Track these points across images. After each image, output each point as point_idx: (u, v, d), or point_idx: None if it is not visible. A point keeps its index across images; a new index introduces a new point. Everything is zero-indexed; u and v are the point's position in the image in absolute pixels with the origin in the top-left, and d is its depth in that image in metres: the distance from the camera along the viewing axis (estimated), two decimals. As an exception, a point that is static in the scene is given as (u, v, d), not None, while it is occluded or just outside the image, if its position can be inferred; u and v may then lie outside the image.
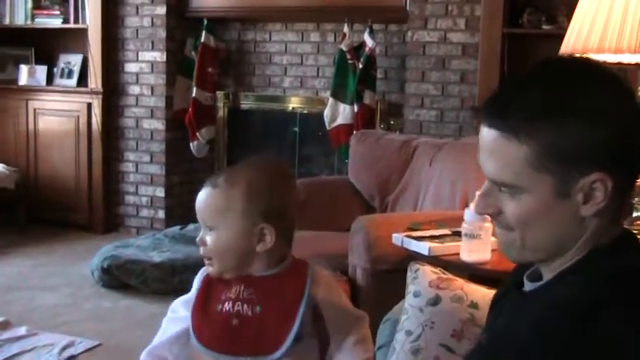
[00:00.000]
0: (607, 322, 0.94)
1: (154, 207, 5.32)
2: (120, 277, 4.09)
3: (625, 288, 0.98)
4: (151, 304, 3.86)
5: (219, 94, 5.25)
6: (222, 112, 5.29)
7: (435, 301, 1.69)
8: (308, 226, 3.36)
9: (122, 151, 5.37)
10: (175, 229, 4.74)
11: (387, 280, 2.81)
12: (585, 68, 1.06)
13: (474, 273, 2.25)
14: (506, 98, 1.04)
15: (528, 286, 1.12)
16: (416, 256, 2.40)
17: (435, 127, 4.40)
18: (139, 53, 5.23)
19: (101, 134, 5.27)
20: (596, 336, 0.93)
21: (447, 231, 2.65)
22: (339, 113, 4.62)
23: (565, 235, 1.04)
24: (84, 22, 5.27)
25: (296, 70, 5.12)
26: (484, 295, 1.66)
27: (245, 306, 1.31)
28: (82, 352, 3.25)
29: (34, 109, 5.43)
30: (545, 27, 3.99)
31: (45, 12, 5.40)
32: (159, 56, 5.17)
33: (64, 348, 3.25)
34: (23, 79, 5.50)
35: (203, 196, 1.36)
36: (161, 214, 5.30)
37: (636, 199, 2.24)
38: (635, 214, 2.25)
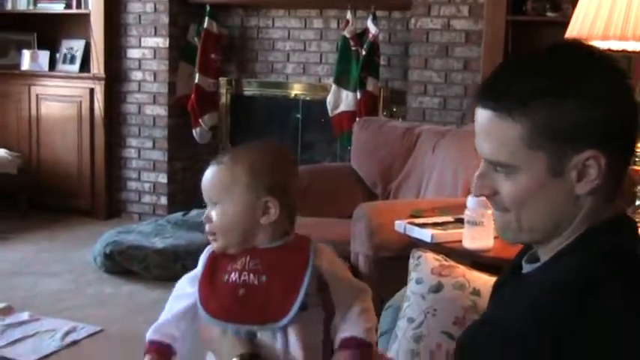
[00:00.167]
0: (604, 299, 0.95)
1: (156, 193, 5.32)
2: (122, 263, 4.10)
3: (622, 265, 1.00)
4: (153, 290, 3.87)
5: (222, 80, 5.23)
6: (224, 98, 5.28)
7: (437, 289, 1.70)
8: (310, 212, 3.35)
9: (124, 137, 5.36)
10: (178, 215, 4.73)
11: (389, 267, 2.81)
12: (582, 52, 1.07)
13: (477, 260, 2.26)
14: (500, 80, 1.06)
15: (526, 268, 1.14)
16: (418, 243, 2.40)
17: (437, 115, 4.39)
18: (142, 39, 5.21)
19: (103, 120, 5.26)
20: (592, 312, 0.94)
21: (449, 218, 2.65)
22: (342, 100, 4.60)
23: (560, 214, 1.05)
24: (86, 7, 5.26)
25: (299, 57, 5.10)
26: (486, 282, 1.66)
27: (251, 275, 1.33)
28: (84, 338, 3.26)
29: (37, 95, 5.42)
30: (549, 14, 3.96)
31: (47, -3, 5.40)
32: (161, 42, 5.16)
33: (67, 333, 3.27)
34: (26, 64, 5.50)
35: (209, 174, 1.39)
36: (163, 200, 5.31)
37: (639, 187, 2.24)
38: (638, 203, 2.25)
